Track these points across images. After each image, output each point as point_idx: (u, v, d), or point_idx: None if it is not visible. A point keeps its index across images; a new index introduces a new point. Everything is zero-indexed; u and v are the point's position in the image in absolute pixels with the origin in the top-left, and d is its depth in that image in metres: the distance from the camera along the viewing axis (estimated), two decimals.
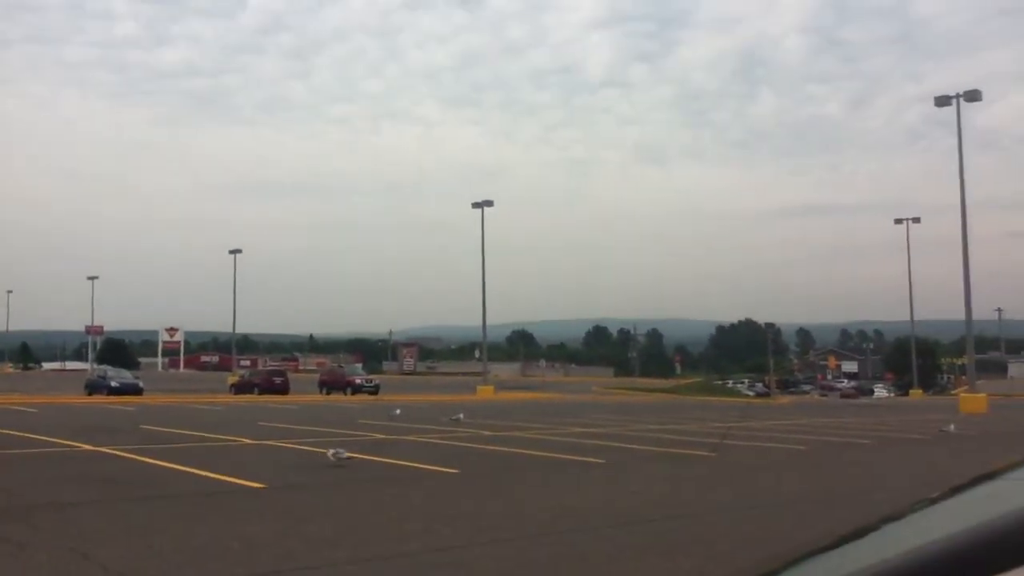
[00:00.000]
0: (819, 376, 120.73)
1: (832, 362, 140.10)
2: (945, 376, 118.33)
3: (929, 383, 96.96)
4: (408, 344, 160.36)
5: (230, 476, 11.51)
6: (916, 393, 73.59)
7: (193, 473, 11.89)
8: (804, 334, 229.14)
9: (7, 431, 18.49)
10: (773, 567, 1.00)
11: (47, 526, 8.17)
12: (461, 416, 24.42)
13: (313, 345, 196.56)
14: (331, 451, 13.48)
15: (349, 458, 13.31)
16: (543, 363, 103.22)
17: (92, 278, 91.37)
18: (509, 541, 7.84)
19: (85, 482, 11.11)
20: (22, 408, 29.54)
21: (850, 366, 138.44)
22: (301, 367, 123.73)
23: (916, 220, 65.43)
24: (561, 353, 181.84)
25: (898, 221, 65.79)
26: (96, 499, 9.85)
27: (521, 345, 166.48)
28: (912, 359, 76.24)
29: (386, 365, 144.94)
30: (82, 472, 12.10)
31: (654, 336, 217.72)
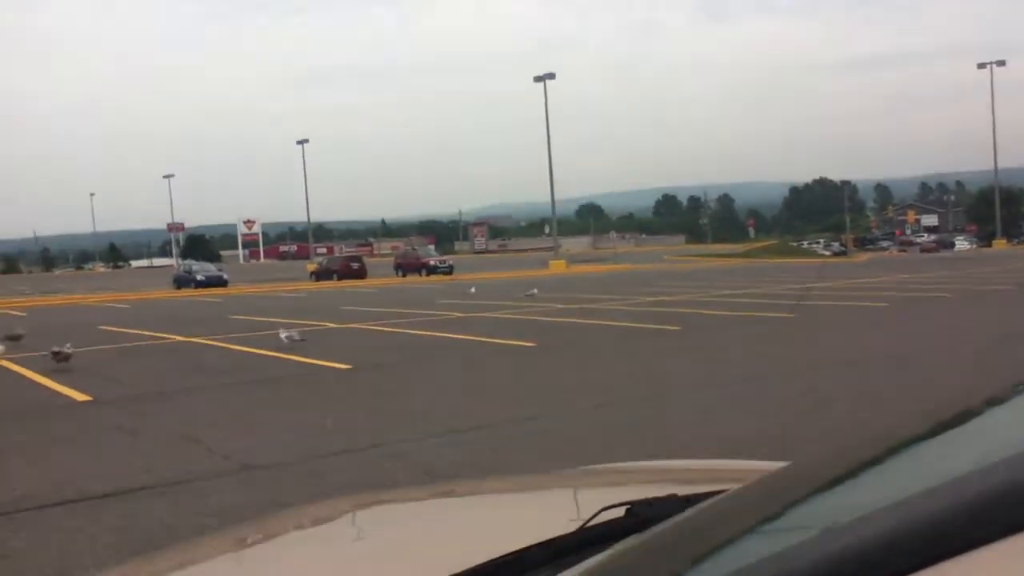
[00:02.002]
0: (898, 231, 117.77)
1: (911, 217, 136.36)
2: None
3: (1015, 233, 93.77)
4: (478, 223, 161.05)
5: (320, 359, 11.98)
6: (1000, 244, 71.40)
7: (284, 358, 12.41)
8: (882, 190, 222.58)
9: (106, 327, 19.45)
10: (876, 453, 0.83)
11: (155, 413, 8.71)
12: (535, 291, 24.71)
13: (386, 230, 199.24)
14: (284, 334, 13.64)
15: (303, 340, 13.49)
16: (614, 235, 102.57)
17: (168, 176, 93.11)
18: (583, 409, 8.09)
19: (185, 371, 11.71)
20: (116, 304, 30.91)
21: (930, 220, 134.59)
22: (376, 252, 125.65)
23: (1001, 63, 62.07)
24: (631, 224, 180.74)
25: (981, 65, 62.51)
26: (197, 386, 10.41)
27: (591, 218, 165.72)
28: (996, 208, 73.70)
29: (457, 245, 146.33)
30: (181, 362, 12.74)
31: (725, 201, 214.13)
